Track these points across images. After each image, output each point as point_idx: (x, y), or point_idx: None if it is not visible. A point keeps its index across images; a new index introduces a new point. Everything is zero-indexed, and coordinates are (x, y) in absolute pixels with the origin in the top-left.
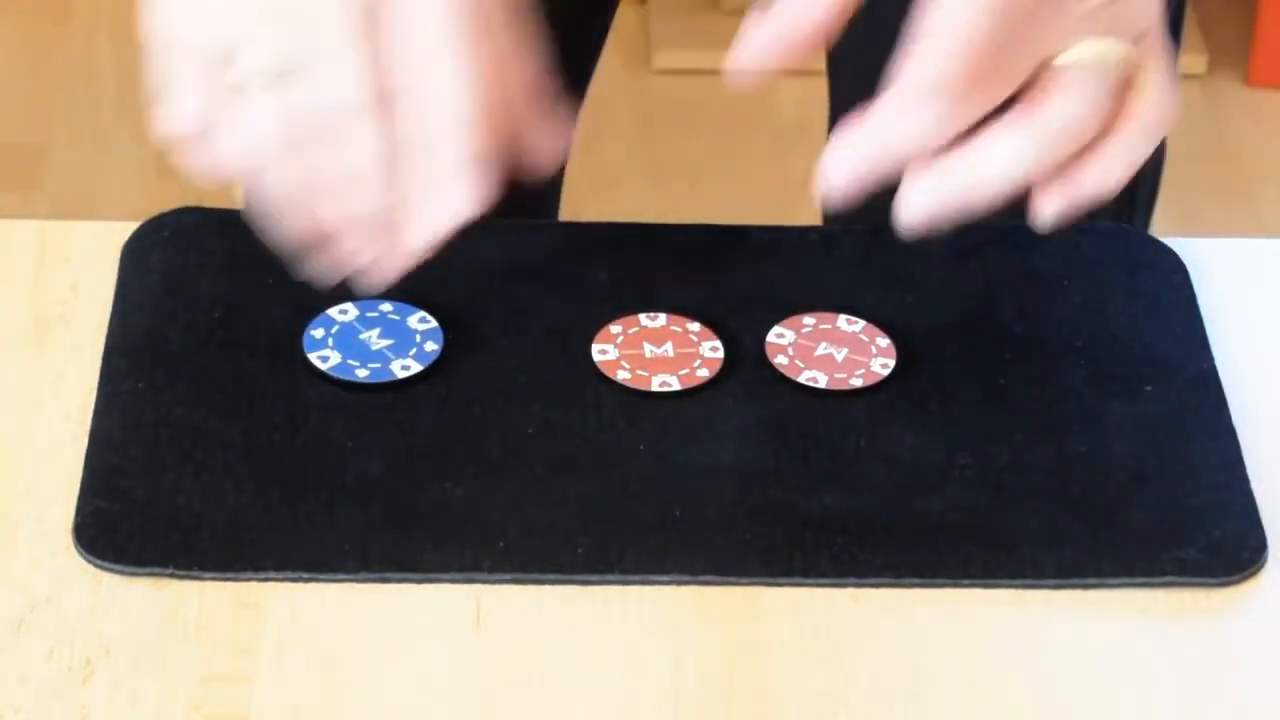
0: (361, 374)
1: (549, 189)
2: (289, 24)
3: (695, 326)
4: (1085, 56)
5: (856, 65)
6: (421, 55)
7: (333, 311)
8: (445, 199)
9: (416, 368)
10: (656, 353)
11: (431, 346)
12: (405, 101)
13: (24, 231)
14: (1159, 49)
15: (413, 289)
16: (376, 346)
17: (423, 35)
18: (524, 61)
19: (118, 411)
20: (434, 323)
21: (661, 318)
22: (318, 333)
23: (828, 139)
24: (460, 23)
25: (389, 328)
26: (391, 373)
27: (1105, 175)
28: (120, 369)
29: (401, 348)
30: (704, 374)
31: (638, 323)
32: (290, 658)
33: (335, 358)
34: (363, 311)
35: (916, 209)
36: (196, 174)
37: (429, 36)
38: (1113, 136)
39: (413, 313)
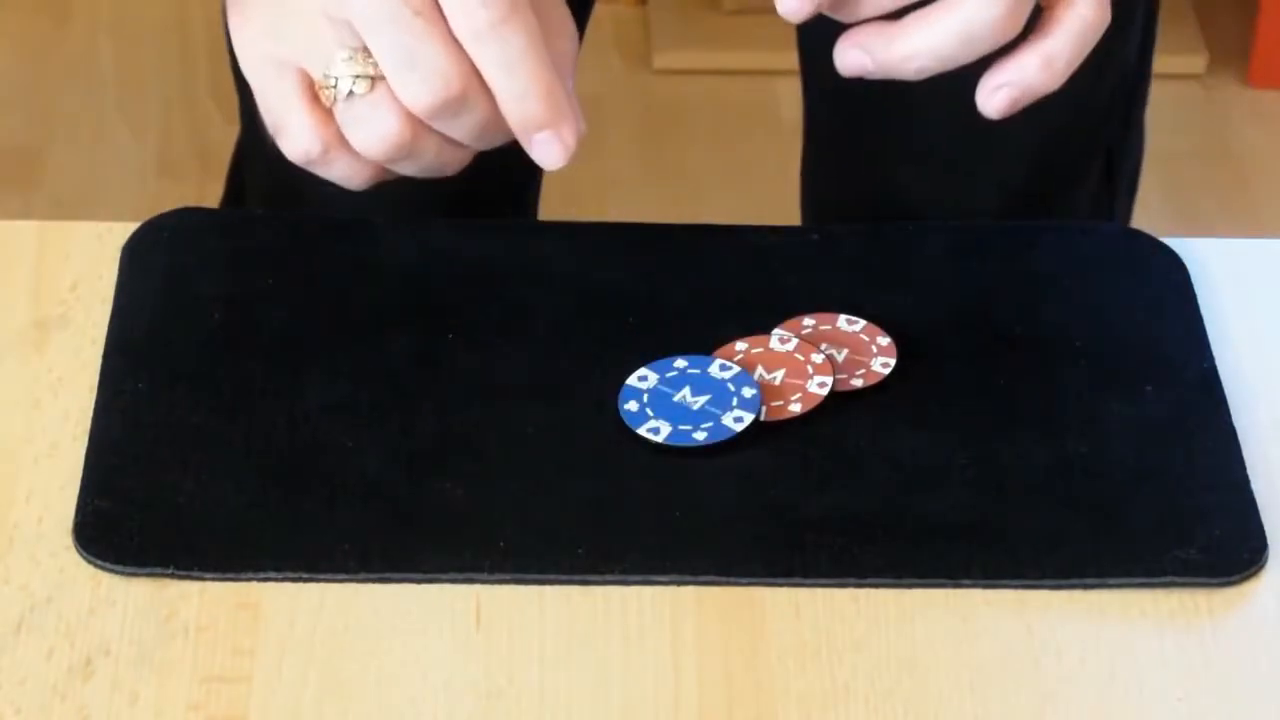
0: (700, 436)
1: (528, 183)
2: (365, 33)
3: (819, 358)
4: None
5: (830, 63)
6: (485, 26)
7: (633, 381)
8: (556, 150)
9: (748, 417)
10: (767, 378)
11: (749, 392)
12: (484, 64)
13: (24, 231)
14: None
15: (413, 288)
16: (698, 405)
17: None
18: (566, 31)
19: (118, 411)
20: (735, 368)
21: (793, 342)
22: (632, 405)
23: (805, 141)
24: None
25: (697, 384)
26: (728, 428)
27: (1048, 69)
28: (120, 369)
29: (721, 401)
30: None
31: (764, 343)
32: (290, 658)
33: (666, 428)
34: (661, 374)
35: (847, 62)
36: (341, 183)
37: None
38: (1050, 32)
39: (709, 362)
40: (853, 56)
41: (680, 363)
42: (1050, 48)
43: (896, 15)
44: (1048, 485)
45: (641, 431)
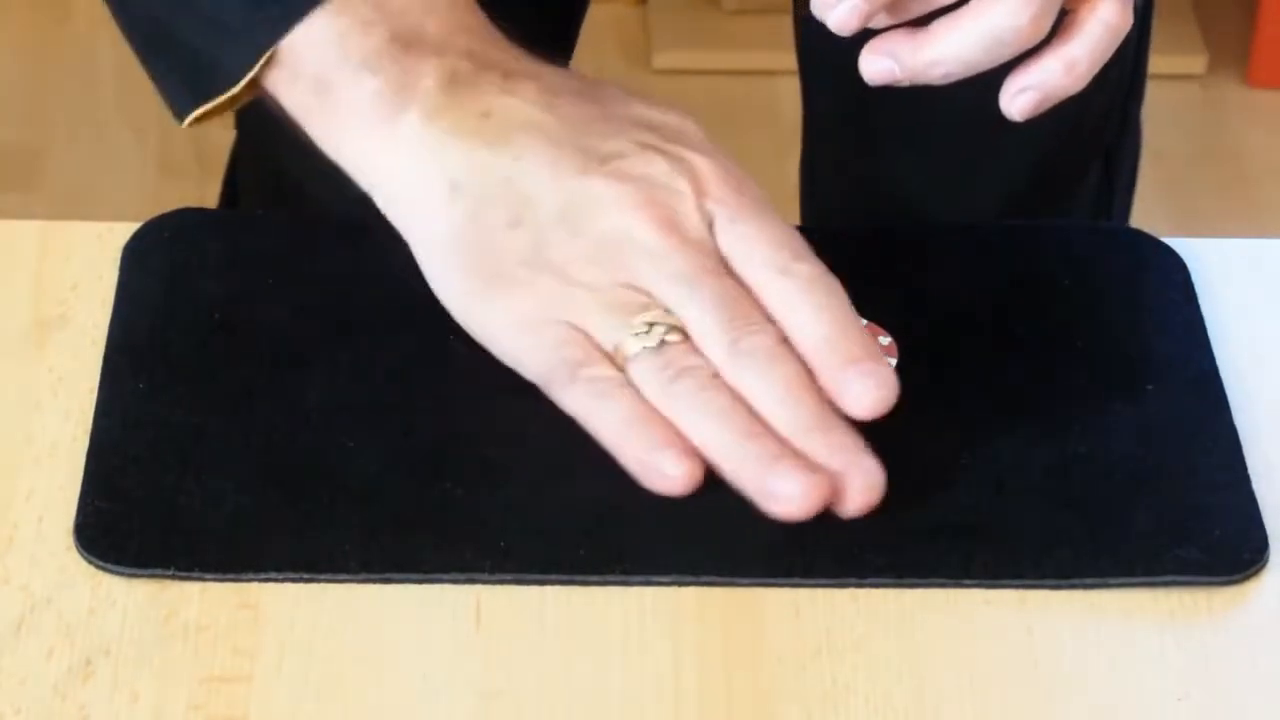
0: None
1: None
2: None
3: (885, 340)
4: None
5: (829, 63)
6: (776, 274)
7: None
8: (871, 384)
9: None
10: None
11: None
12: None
13: (24, 231)
14: None
15: (413, 288)
16: None
17: (769, 252)
18: None
19: (118, 412)
20: None
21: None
22: None
23: (805, 141)
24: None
25: None
26: None
27: (1071, 72)
28: (121, 369)
29: None
30: None
31: None
32: (290, 658)
33: None
34: None
35: (874, 69)
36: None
37: (777, 252)
38: (1072, 36)
39: None
40: (879, 64)
41: None
42: (1073, 51)
43: (921, 22)
44: (1048, 485)
45: None
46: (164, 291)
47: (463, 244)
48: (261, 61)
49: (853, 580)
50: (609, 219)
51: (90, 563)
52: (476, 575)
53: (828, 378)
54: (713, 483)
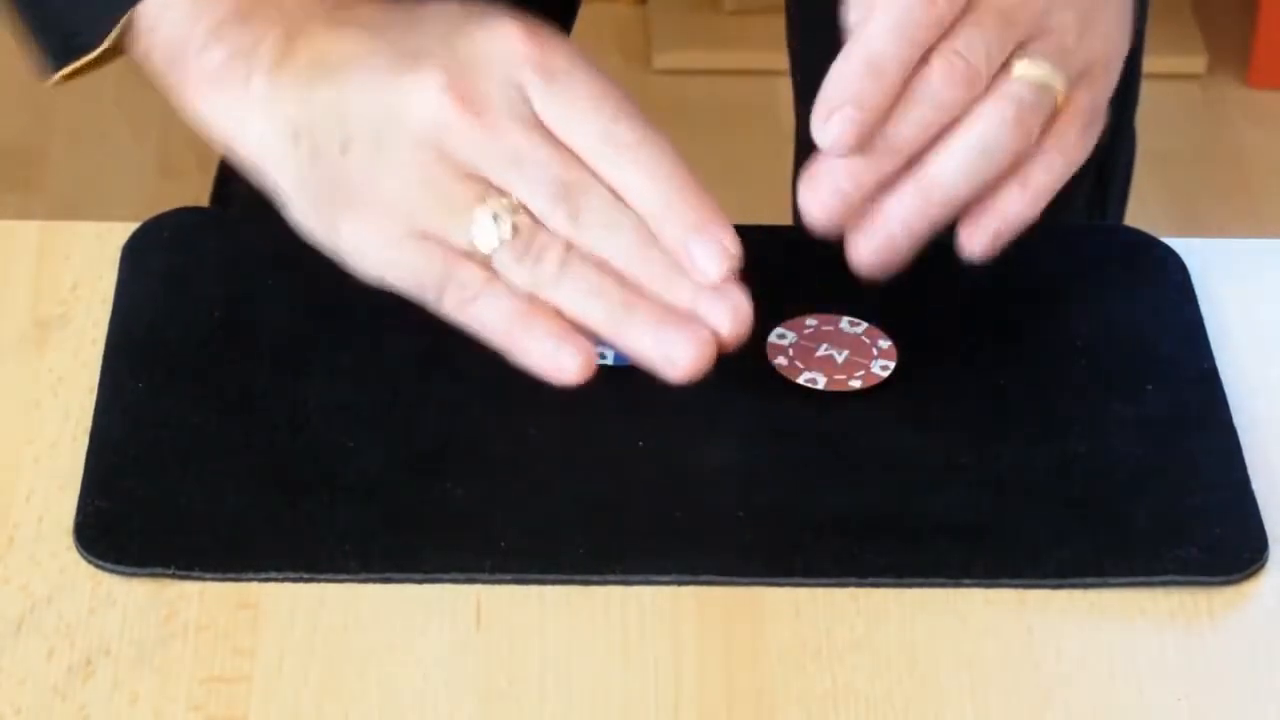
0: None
1: None
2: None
3: (885, 343)
4: (1029, 75)
5: (822, 74)
6: (600, 141)
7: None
8: (717, 251)
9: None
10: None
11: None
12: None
13: (24, 231)
14: (1101, 85)
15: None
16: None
17: (588, 118)
18: None
19: (118, 411)
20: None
21: (862, 326)
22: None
23: (797, 144)
24: (621, 99)
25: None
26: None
27: (1025, 197)
28: (120, 369)
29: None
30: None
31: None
32: (290, 658)
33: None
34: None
35: (868, 254)
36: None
37: (596, 115)
38: (1032, 160)
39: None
40: (866, 249)
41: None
42: (1028, 178)
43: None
44: (1048, 485)
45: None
46: (163, 291)
47: (310, 183)
48: (119, 28)
49: (853, 580)
50: (420, 112)
51: (90, 562)
52: (476, 575)
53: (672, 246)
54: (712, 484)
